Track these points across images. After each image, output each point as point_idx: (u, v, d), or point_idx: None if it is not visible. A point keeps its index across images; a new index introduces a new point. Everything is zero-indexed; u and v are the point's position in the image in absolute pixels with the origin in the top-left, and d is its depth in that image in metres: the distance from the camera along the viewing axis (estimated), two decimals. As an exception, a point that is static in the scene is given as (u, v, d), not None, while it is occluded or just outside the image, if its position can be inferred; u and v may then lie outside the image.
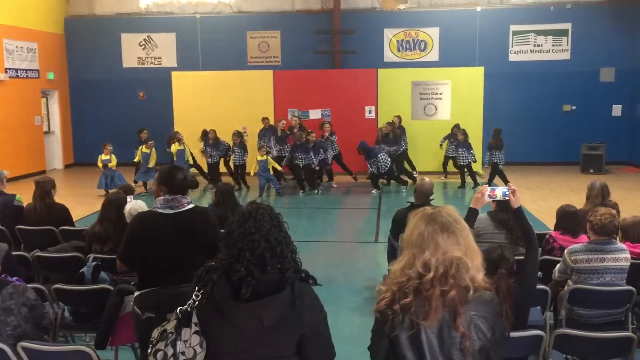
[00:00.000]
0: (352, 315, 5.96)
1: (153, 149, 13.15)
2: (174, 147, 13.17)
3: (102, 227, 5.32)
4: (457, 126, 14.06)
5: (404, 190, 12.91)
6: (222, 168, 13.93)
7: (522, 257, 5.00)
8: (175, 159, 13.00)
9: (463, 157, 13.41)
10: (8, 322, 3.56)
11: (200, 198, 12.53)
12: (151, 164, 12.95)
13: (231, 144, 13.66)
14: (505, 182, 13.07)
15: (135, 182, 12.92)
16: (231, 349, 2.37)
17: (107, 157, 12.63)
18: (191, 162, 13.56)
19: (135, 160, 13.26)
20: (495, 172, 13.06)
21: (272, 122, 14.41)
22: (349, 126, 14.73)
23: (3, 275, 3.86)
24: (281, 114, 14.97)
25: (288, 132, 13.99)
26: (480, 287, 2.25)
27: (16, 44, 15.37)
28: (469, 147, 13.46)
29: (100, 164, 12.64)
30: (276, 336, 2.35)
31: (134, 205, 5.00)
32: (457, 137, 13.62)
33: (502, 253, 3.50)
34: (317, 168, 13.22)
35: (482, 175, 14.49)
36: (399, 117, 14.55)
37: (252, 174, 12.92)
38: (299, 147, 13.05)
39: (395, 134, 13.91)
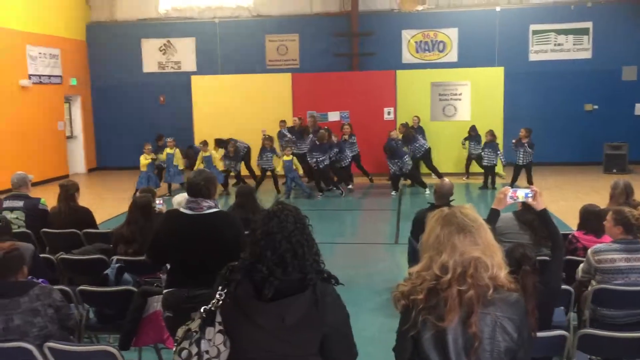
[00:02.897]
0: (373, 316, 5.96)
1: (177, 148, 13.30)
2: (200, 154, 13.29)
3: (129, 229, 5.40)
4: (473, 128, 13.96)
5: (426, 193, 12.73)
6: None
7: (546, 258, 4.99)
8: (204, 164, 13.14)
9: (488, 157, 13.30)
10: (35, 323, 3.63)
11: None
12: (179, 165, 13.20)
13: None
14: (493, 182, 13.26)
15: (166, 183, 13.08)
16: (254, 348, 2.39)
17: (151, 156, 12.90)
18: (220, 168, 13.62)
19: (157, 162, 13.29)
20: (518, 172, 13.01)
21: (290, 123, 14.55)
22: (368, 128, 14.72)
23: (30, 277, 3.93)
24: (299, 117, 14.98)
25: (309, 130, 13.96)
26: (504, 286, 2.24)
27: (39, 50, 15.61)
28: (495, 148, 13.35)
29: (144, 162, 12.76)
30: (298, 335, 2.36)
31: (180, 198, 5.12)
32: (485, 138, 13.47)
33: (525, 252, 3.48)
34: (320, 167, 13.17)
35: (503, 177, 14.38)
36: (417, 117, 14.53)
37: (277, 170, 13.00)
38: (318, 147, 13.00)
39: (407, 136, 13.67)
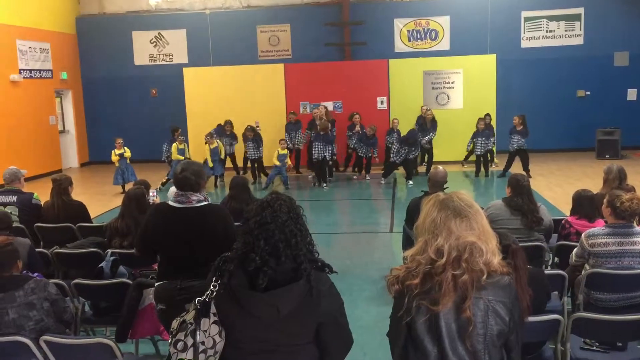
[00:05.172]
0: (368, 304, 5.98)
1: (185, 143, 13.31)
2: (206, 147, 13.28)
3: (124, 222, 5.40)
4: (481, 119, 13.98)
5: (410, 183, 12.85)
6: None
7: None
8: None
9: (480, 146, 13.33)
10: (30, 316, 3.63)
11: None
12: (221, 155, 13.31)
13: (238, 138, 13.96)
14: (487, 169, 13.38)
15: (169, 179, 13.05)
16: (249, 338, 2.40)
17: (121, 150, 12.74)
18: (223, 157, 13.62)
19: (174, 157, 13.07)
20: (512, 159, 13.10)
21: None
22: (361, 117, 14.70)
23: (24, 271, 3.92)
24: (293, 107, 15.00)
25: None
26: (496, 271, 2.25)
27: (29, 44, 15.50)
28: (488, 136, 13.38)
29: (115, 158, 12.65)
30: (293, 325, 2.38)
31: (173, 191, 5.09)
32: (477, 126, 13.51)
33: (504, 233, 3.49)
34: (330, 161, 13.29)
35: (496, 164, 14.41)
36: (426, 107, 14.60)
37: (276, 163, 12.96)
38: (321, 137, 13.03)
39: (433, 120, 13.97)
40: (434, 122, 14.04)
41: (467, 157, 14.56)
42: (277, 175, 12.95)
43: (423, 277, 2.24)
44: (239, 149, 14.21)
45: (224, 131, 13.98)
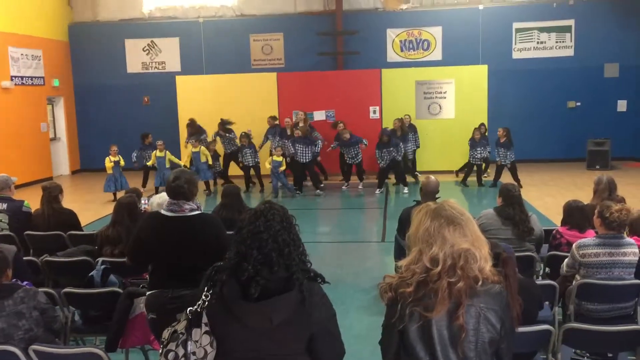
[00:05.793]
0: (360, 314, 5.97)
1: (166, 150, 13.25)
2: (187, 150, 13.30)
3: (115, 230, 5.37)
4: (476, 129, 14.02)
5: (405, 192, 12.86)
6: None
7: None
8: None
9: (480, 155, 13.38)
10: (19, 325, 3.60)
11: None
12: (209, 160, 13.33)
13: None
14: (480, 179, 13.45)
15: (156, 187, 12.98)
16: (241, 348, 2.39)
17: (116, 158, 12.69)
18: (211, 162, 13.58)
19: (149, 164, 13.25)
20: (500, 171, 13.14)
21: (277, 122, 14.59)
22: (354, 127, 14.67)
23: (14, 280, 3.89)
24: (286, 116, 14.98)
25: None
26: (488, 279, 2.26)
27: (21, 51, 15.44)
28: (485, 146, 13.43)
29: (109, 165, 12.57)
30: (286, 334, 2.37)
31: (159, 200, 5.05)
32: (473, 136, 13.55)
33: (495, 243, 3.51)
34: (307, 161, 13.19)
35: (488, 174, 14.46)
36: (408, 116, 14.59)
37: (267, 166, 12.96)
38: (301, 139, 12.99)
39: (403, 131, 13.87)
40: (404, 131, 13.91)
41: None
42: (280, 185, 12.90)
43: (417, 285, 2.25)
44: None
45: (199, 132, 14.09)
